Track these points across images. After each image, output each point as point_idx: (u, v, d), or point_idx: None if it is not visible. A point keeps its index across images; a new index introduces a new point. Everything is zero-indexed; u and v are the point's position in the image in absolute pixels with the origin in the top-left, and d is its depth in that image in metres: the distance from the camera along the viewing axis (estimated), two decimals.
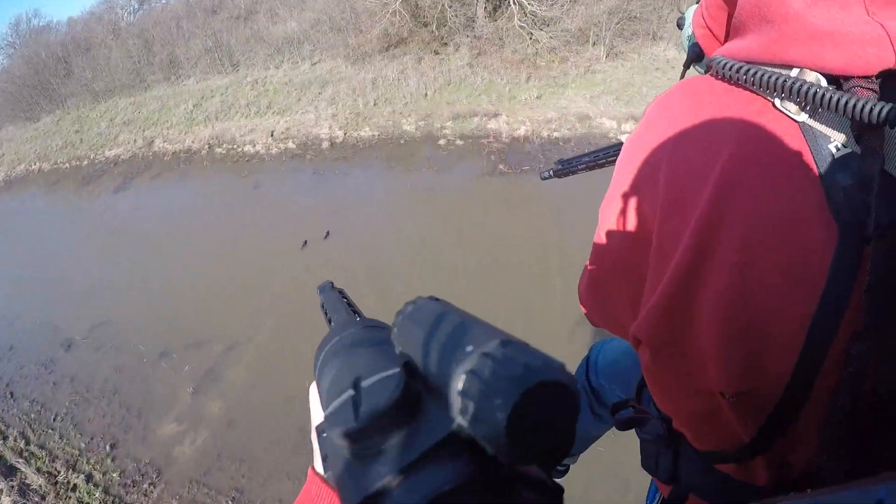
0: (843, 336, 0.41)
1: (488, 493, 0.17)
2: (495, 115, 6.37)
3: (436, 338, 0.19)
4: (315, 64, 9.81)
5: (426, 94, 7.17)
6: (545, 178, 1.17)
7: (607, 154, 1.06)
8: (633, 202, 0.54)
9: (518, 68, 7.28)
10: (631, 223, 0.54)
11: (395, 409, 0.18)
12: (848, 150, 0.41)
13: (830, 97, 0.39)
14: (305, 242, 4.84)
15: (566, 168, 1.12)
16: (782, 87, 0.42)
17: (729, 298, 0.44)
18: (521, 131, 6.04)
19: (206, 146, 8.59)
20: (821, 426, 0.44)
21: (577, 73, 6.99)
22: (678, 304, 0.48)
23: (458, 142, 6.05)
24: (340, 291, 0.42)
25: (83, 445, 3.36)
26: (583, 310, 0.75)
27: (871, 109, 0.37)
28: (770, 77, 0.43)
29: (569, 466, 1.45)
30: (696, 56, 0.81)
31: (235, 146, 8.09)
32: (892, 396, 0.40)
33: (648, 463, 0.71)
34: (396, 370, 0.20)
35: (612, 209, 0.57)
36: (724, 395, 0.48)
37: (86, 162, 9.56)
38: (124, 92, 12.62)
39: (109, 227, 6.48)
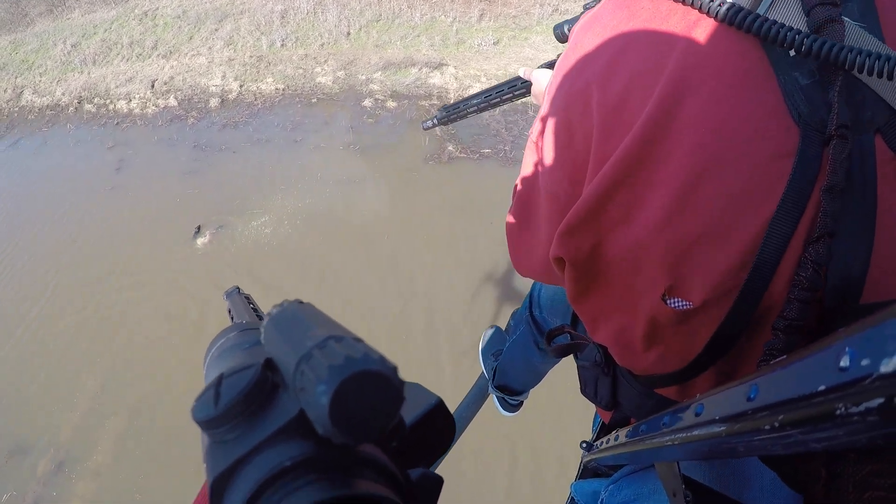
0: (797, 243, 0.39)
1: (327, 470, 0.19)
2: (440, 66, 4.83)
3: (288, 336, 0.21)
4: None
5: (349, 33, 5.50)
6: (427, 128, 1.07)
7: (501, 92, 0.92)
8: (563, 130, 0.49)
9: (468, 3, 5.67)
10: (562, 155, 0.50)
11: (248, 398, 0.21)
12: None
13: (787, 35, 0.37)
14: (198, 229, 3.52)
15: (453, 113, 1.02)
16: (725, 15, 0.39)
17: (677, 210, 0.41)
18: (476, 91, 4.53)
19: (76, 100, 6.79)
20: (763, 342, 0.42)
21: (541, 13, 5.46)
22: (600, 214, 0.45)
23: (390, 103, 4.51)
24: (247, 297, 0.42)
25: None
26: (512, 262, 0.67)
27: (840, 53, 0.35)
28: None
29: (522, 402, 1.42)
30: None
31: (108, 101, 6.41)
32: (837, 307, 0.39)
33: (587, 390, 0.70)
34: (255, 365, 0.22)
35: (541, 143, 0.53)
36: (666, 299, 0.44)
37: None
38: (5, 28, 10.33)
39: None
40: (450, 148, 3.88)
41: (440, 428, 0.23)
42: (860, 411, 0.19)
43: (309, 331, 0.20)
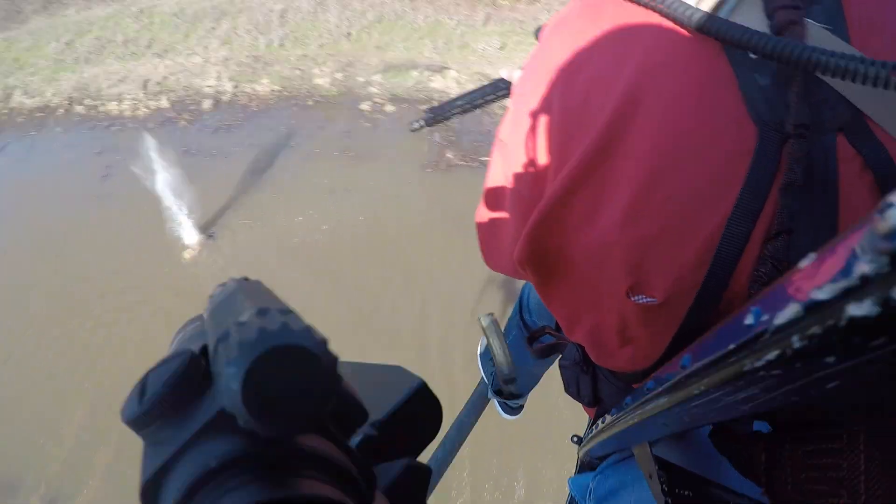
0: (756, 240, 0.40)
1: (260, 470, 0.16)
2: (442, 70, 4.63)
3: (220, 318, 0.18)
4: None
5: (349, 34, 5.30)
6: (415, 130, 1.06)
7: (485, 93, 0.95)
8: (526, 130, 0.50)
9: (473, 6, 5.49)
10: (525, 154, 0.50)
11: (175, 392, 0.18)
12: None
13: (743, 36, 0.36)
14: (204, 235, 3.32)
15: (439, 115, 1.02)
16: (682, 16, 0.39)
17: (637, 209, 0.41)
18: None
19: (67, 102, 6.57)
20: None
21: (549, 17, 5.26)
22: (559, 214, 0.46)
23: (389, 107, 4.31)
24: None
25: None
26: (483, 257, 0.69)
27: (793, 51, 0.34)
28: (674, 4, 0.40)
29: (522, 405, 1.41)
30: None
31: (100, 102, 6.21)
32: None
33: (570, 388, 0.71)
34: (182, 354, 0.19)
35: (507, 142, 0.54)
36: (630, 296, 0.44)
37: None
38: None
39: None
40: (449, 155, 3.68)
41: (426, 413, 0.21)
42: (762, 364, 0.19)
43: (237, 308, 0.17)
